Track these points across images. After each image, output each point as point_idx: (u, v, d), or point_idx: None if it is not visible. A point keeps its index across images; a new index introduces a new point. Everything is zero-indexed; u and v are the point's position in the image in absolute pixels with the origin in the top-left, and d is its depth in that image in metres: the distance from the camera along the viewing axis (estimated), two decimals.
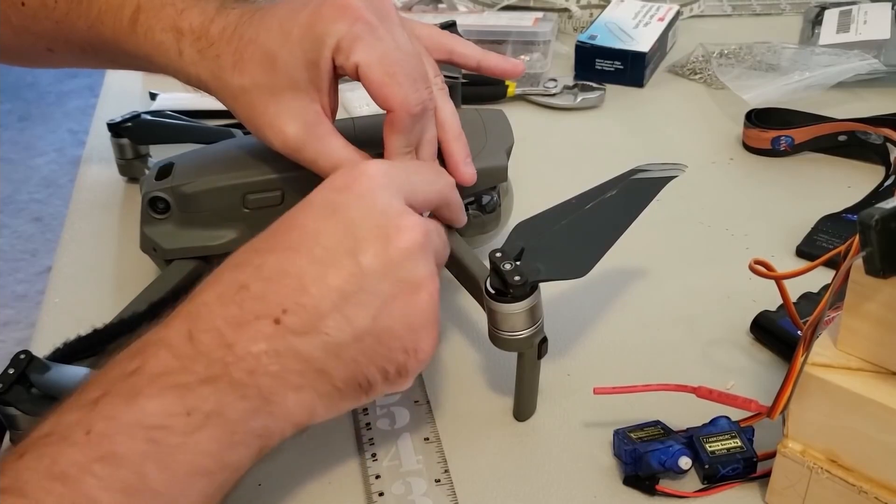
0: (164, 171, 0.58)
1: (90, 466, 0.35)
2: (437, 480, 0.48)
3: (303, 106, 0.50)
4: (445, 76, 0.56)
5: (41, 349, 0.49)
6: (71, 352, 0.49)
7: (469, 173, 0.54)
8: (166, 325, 0.40)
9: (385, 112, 0.49)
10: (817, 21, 0.95)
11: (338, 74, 0.50)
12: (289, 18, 0.50)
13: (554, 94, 0.85)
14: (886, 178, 0.70)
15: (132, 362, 0.38)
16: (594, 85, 0.86)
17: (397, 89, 0.48)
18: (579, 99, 0.85)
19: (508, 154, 0.58)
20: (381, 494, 0.47)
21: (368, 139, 0.52)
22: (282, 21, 0.50)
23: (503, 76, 0.59)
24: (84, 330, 0.50)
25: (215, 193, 0.56)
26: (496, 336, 0.48)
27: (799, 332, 0.44)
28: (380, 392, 0.43)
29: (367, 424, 0.51)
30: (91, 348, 0.50)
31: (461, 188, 0.53)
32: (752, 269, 0.45)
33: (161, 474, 0.37)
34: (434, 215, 0.49)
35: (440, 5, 1.01)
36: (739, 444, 0.47)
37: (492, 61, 0.59)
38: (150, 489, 0.36)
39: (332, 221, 0.42)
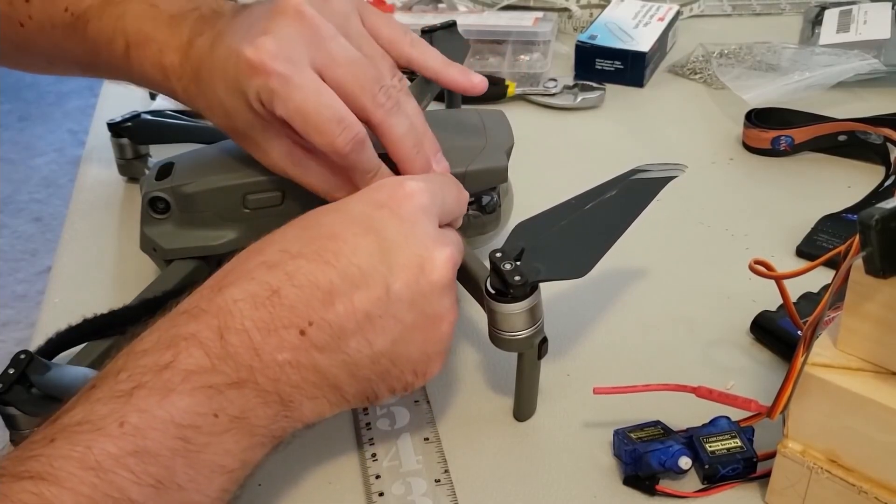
0: (164, 171, 0.58)
1: (124, 460, 0.36)
2: (437, 480, 0.48)
3: (270, 138, 0.51)
4: None
5: None
6: (60, 343, 0.50)
7: (444, 167, 0.53)
8: (196, 318, 0.40)
9: None
10: (817, 21, 0.95)
11: None
12: (224, 66, 0.49)
13: (554, 94, 0.85)
14: (886, 178, 0.70)
15: (164, 354, 0.39)
16: (594, 85, 0.86)
17: (320, 138, 0.47)
18: (579, 99, 0.85)
19: (508, 155, 0.58)
20: (381, 494, 0.47)
21: None
22: (222, 67, 0.49)
23: (461, 92, 0.56)
24: (75, 321, 0.50)
25: (215, 193, 0.56)
26: (496, 336, 0.48)
27: (799, 332, 0.44)
28: (382, 402, 0.45)
29: (367, 424, 0.51)
30: (80, 340, 0.50)
31: None
32: (752, 269, 0.45)
33: (187, 471, 0.38)
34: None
35: (440, 5, 1.01)
36: (739, 444, 0.47)
37: (451, 75, 0.55)
38: (175, 484, 0.37)
39: (368, 239, 0.42)
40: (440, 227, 0.46)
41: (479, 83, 0.55)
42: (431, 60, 0.55)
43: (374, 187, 0.45)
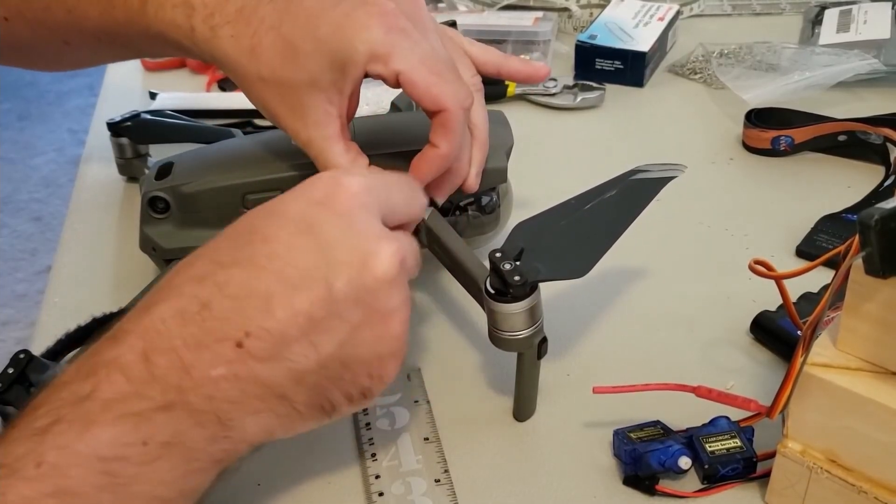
0: (164, 170, 0.58)
1: (41, 502, 0.34)
2: (437, 480, 0.48)
3: (317, 104, 0.48)
4: None
5: (41, 349, 0.49)
6: (69, 343, 0.49)
7: (475, 185, 0.53)
8: (119, 342, 0.38)
9: (383, 113, 0.49)
10: (817, 21, 0.95)
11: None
12: (318, 13, 0.47)
13: (554, 94, 0.85)
14: (886, 178, 0.70)
15: (84, 385, 0.36)
16: (594, 85, 0.86)
17: (448, 87, 0.47)
18: (579, 99, 0.85)
19: (508, 155, 0.58)
20: (381, 494, 0.47)
21: (367, 141, 0.52)
22: (309, 14, 0.47)
23: (526, 81, 0.56)
24: (83, 320, 0.50)
25: (215, 193, 0.56)
26: (496, 336, 0.48)
27: (799, 332, 0.44)
28: (344, 413, 0.42)
29: (367, 424, 0.51)
30: (89, 339, 0.50)
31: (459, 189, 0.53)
32: (751, 269, 0.45)
33: None
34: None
35: (440, 5, 1.01)
36: (739, 444, 0.47)
37: (512, 66, 0.56)
38: None
39: (306, 239, 0.40)
40: (391, 229, 0.42)
41: (540, 69, 0.56)
42: (491, 55, 0.56)
43: (308, 184, 0.43)
